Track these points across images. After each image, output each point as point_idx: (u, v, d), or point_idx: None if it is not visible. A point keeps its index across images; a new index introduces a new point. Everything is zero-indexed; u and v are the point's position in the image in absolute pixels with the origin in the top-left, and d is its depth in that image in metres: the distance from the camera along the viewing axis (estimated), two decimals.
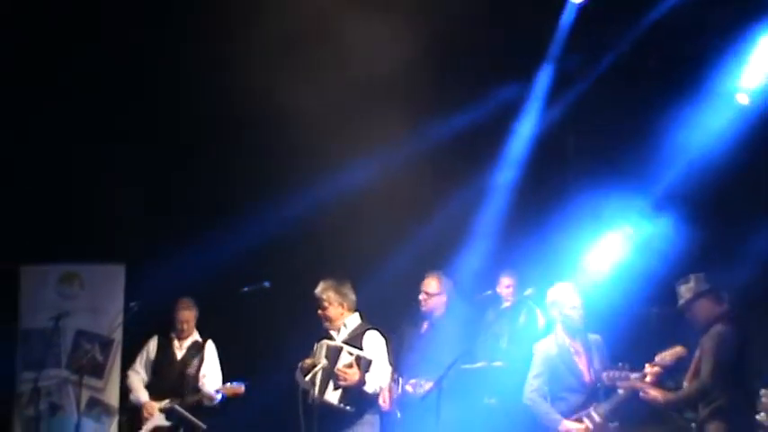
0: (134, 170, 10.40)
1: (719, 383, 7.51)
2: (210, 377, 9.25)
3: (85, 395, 9.72)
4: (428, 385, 8.70)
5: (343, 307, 8.23)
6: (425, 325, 9.29)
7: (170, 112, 10.22)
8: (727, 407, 7.50)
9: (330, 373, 7.94)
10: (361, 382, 7.93)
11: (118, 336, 9.93)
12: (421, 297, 9.24)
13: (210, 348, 9.35)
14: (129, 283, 10.00)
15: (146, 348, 9.31)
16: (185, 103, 10.08)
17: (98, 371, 9.92)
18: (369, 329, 8.23)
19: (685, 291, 7.77)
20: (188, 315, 9.27)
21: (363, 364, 7.96)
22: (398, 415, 8.60)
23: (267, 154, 10.17)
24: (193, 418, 8.93)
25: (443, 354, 8.73)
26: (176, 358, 9.25)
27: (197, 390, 9.12)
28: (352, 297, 8.31)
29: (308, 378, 7.96)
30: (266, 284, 8.88)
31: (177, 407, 8.95)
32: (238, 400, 9.10)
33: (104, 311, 9.97)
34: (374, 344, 8.17)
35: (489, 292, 9.52)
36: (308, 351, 8.21)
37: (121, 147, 10.29)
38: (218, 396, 8.99)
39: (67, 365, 9.94)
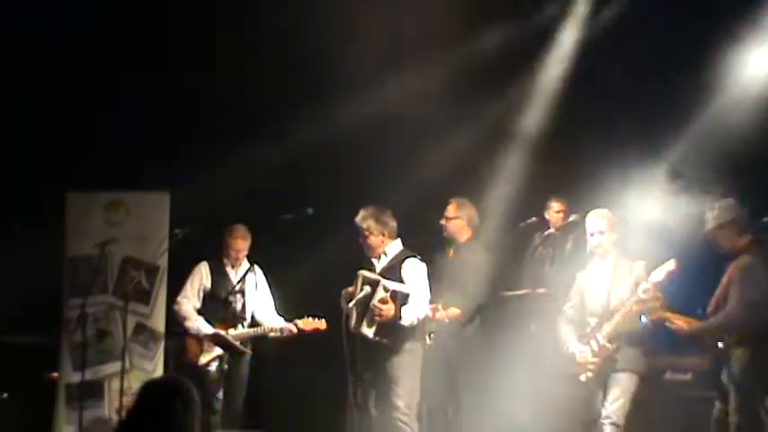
0: (179, 96, 10.37)
1: (746, 314, 7.48)
2: (264, 305, 9.23)
3: (132, 321, 9.77)
4: (452, 313, 8.71)
5: (384, 235, 8.17)
6: (451, 251, 9.28)
7: (208, 39, 10.21)
8: (752, 336, 7.49)
9: (366, 307, 7.90)
10: (397, 317, 7.89)
11: (163, 262, 9.92)
12: (441, 221, 9.27)
13: (261, 275, 9.30)
14: (173, 210, 9.98)
15: (197, 274, 9.25)
16: (223, 31, 10.10)
17: (144, 297, 9.93)
18: (408, 257, 8.16)
19: (710, 218, 7.73)
20: (242, 244, 9.18)
21: (400, 298, 7.91)
22: (428, 342, 8.55)
23: (308, 75, 10.15)
24: (239, 346, 8.90)
25: (468, 281, 8.88)
26: (230, 286, 9.18)
27: (249, 319, 9.08)
28: (393, 225, 8.25)
29: (350, 305, 7.97)
30: (309, 211, 8.81)
31: (229, 335, 8.89)
32: None
33: (150, 238, 9.96)
34: (413, 272, 8.11)
35: (534, 219, 9.41)
36: (350, 277, 8.19)
37: (164, 74, 10.27)
38: (279, 329, 8.95)
39: (114, 292, 9.97)
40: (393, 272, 8.09)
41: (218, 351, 8.94)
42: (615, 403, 7.62)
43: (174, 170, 9.95)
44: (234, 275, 9.24)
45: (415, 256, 8.20)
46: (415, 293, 8.01)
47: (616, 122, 9.67)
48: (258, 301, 9.22)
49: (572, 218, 8.86)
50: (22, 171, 10.45)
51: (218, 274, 9.24)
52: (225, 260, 9.24)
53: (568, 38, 10.12)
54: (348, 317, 7.95)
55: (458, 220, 9.26)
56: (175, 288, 9.47)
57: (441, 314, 8.83)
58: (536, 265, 9.45)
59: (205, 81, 10.15)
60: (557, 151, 9.85)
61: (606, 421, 7.60)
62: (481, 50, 9.96)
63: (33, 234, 9.82)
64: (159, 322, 9.98)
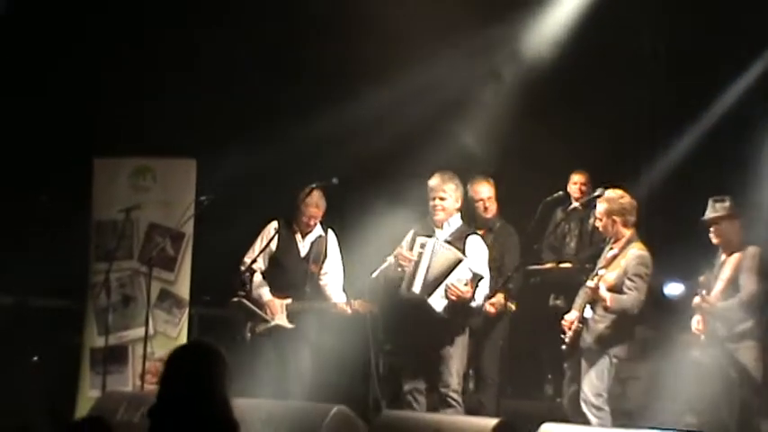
0: (207, 63, 10.38)
1: (759, 303, 7.83)
2: (333, 275, 8.80)
3: (156, 287, 9.73)
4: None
5: (457, 202, 7.98)
6: (483, 232, 8.74)
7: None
8: (760, 326, 7.83)
9: (438, 279, 7.74)
10: (471, 300, 7.81)
11: (189, 229, 9.86)
12: (478, 203, 9.00)
13: (333, 242, 8.82)
14: (200, 177, 9.93)
15: (265, 237, 8.72)
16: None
17: (169, 264, 9.91)
18: (471, 234, 8.00)
19: (720, 208, 7.95)
20: (315, 212, 8.66)
21: (477, 281, 7.79)
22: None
23: (342, 50, 10.10)
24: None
25: (509, 266, 8.74)
26: (299, 253, 8.71)
27: (318, 289, 8.65)
28: (462, 194, 8.11)
29: (402, 268, 7.80)
30: (335, 181, 8.60)
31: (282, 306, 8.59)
32: None
33: (176, 205, 9.88)
34: (479, 251, 7.96)
35: (560, 193, 9.32)
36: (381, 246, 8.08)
37: (194, 38, 10.24)
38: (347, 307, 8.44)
39: (139, 258, 9.97)
40: (456, 246, 7.88)
41: (277, 321, 8.59)
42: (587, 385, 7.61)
43: (202, 137, 9.95)
44: (302, 243, 8.72)
45: (476, 233, 8.06)
46: (485, 275, 7.91)
47: None
48: (325, 271, 8.72)
49: (597, 192, 8.76)
50: (51, 137, 10.44)
51: (286, 239, 8.71)
52: (294, 225, 8.74)
53: None
54: (393, 280, 7.76)
55: (493, 199, 9.08)
56: (200, 255, 9.46)
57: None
58: (559, 239, 9.41)
59: (237, 47, 10.17)
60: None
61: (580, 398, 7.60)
62: None
63: (61, 200, 9.92)
64: (184, 289, 9.95)
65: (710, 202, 8.05)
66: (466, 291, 7.68)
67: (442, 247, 7.82)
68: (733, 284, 7.92)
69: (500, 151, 9.92)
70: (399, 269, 7.82)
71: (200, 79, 10.36)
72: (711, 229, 8.04)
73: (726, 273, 7.99)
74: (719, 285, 8.01)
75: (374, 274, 7.88)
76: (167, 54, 10.38)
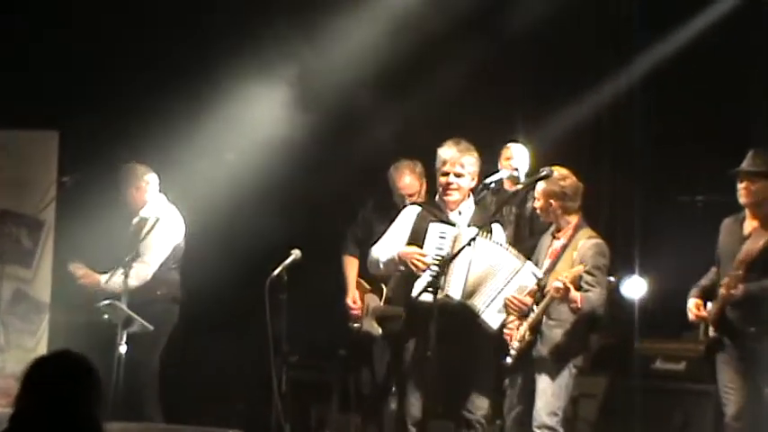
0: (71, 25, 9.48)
1: None
2: None
3: (9, 288, 8.90)
4: None
5: (473, 180, 6.78)
6: None
7: None
8: None
9: (498, 289, 6.58)
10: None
11: (49, 216, 8.93)
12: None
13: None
14: (63, 152, 9.00)
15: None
16: None
17: (25, 259, 8.95)
18: (495, 222, 6.87)
19: (761, 162, 7.01)
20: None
21: (540, 290, 6.75)
22: None
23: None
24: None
25: None
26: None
27: None
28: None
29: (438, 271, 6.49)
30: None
31: None
32: None
33: (33, 186, 8.97)
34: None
35: (503, 171, 8.00)
36: None
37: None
38: None
39: None
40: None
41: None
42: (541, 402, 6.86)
43: (66, 108, 9.15)
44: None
45: (498, 221, 6.97)
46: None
47: None
48: None
49: (543, 171, 7.44)
50: None
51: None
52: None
53: None
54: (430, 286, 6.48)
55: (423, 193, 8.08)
56: (64, 248, 8.68)
57: None
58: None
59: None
60: None
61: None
62: None
63: None
64: (43, 290, 8.99)
65: (750, 154, 7.10)
66: (528, 302, 6.68)
67: (513, 252, 6.72)
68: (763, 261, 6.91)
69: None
70: (414, 269, 6.59)
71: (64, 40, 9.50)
72: (742, 185, 7.02)
73: (757, 243, 6.95)
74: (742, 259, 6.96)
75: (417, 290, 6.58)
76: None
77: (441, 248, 6.57)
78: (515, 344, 6.84)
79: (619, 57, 9.22)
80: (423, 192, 8.01)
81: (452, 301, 6.54)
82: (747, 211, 7.00)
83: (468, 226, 6.70)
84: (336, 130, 9.03)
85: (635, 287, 8.85)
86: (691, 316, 7.01)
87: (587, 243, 6.84)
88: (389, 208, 7.77)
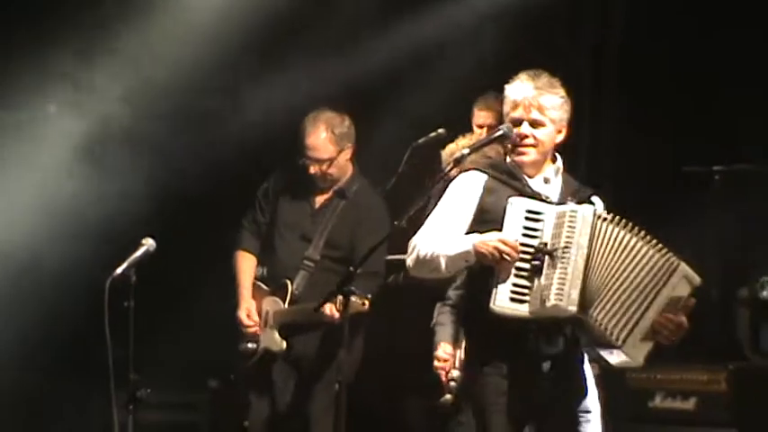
0: None
1: None
2: None
3: None
4: None
5: (561, 134, 4.86)
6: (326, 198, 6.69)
7: None
8: None
9: (639, 303, 4.60)
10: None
11: None
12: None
13: None
14: None
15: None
16: None
17: None
18: (594, 194, 4.93)
19: None
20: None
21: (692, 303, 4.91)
22: None
23: None
24: None
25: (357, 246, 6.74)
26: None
27: None
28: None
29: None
30: None
31: None
32: None
33: None
34: None
35: (440, 131, 6.59)
36: None
37: None
38: None
39: None
40: None
41: None
42: None
43: None
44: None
45: (598, 194, 5.01)
46: None
47: None
48: None
49: (500, 131, 5.38)
50: None
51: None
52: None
53: None
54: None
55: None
56: None
57: None
58: None
59: None
60: None
61: None
62: None
63: None
64: None
65: None
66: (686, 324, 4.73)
67: (618, 226, 4.69)
68: None
69: None
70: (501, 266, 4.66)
71: None
72: None
73: None
74: None
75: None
76: None
77: (532, 235, 4.66)
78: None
79: None
80: (342, 163, 6.43)
81: (562, 314, 4.65)
82: None
83: (561, 197, 4.84)
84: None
85: None
86: None
87: None
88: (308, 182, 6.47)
